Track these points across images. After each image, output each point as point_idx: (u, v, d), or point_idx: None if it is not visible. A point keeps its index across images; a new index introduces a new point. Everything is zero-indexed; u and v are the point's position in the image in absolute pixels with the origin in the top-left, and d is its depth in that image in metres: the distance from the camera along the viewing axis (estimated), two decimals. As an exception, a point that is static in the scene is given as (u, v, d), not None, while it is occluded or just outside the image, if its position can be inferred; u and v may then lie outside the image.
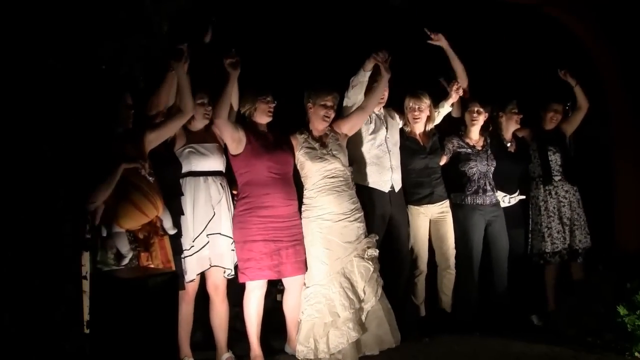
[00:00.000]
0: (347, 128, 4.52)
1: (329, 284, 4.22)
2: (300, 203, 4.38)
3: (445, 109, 5.03)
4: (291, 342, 4.38)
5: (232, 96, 4.10)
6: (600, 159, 5.34)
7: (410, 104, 4.88)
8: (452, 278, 4.97)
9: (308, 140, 4.39)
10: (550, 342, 4.57)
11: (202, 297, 4.26)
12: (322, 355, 4.18)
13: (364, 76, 4.52)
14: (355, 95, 4.57)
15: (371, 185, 4.64)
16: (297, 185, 4.41)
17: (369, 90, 4.55)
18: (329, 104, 4.38)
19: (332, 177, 4.33)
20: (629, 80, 5.04)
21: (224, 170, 4.24)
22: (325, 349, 4.17)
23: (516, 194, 5.17)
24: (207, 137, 4.22)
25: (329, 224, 4.27)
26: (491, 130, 5.25)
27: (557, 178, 5.18)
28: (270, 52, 5.36)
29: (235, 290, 4.33)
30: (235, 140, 4.13)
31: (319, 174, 4.33)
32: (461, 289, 4.98)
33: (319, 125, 4.43)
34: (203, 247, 4.06)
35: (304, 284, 4.30)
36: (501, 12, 5.63)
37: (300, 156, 4.36)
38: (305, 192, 4.40)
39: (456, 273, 4.97)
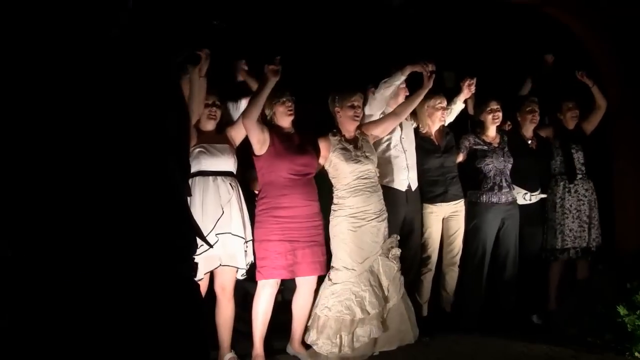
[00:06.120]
0: (379, 131, 4.55)
1: (358, 282, 4.26)
2: (326, 203, 4.36)
3: (458, 105, 5.03)
4: (295, 342, 4.38)
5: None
6: (600, 159, 5.33)
7: (444, 103, 4.88)
8: (455, 276, 4.99)
9: (342, 142, 4.38)
10: (550, 342, 4.58)
11: (205, 297, 4.26)
12: (345, 350, 4.22)
13: (398, 79, 4.53)
14: (381, 96, 4.57)
15: (388, 184, 4.66)
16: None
17: (406, 98, 4.59)
18: (356, 103, 4.39)
19: (365, 178, 4.34)
20: (629, 80, 5.04)
21: (234, 171, 4.23)
22: (350, 344, 4.22)
23: (537, 192, 5.16)
24: (218, 137, 4.22)
25: (362, 222, 4.30)
26: (511, 128, 5.25)
27: (578, 176, 5.17)
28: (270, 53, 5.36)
29: (237, 290, 4.34)
30: (260, 141, 4.13)
31: (353, 175, 4.33)
32: (466, 292, 4.98)
33: (349, 127, 4.43)
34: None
35: (330, 280, 4.32)
36: (501, 11, 5.64)
37: (334, 157, 4.35)
38: (335, 192, 4.40)
39: (461, 272, 4.97)
